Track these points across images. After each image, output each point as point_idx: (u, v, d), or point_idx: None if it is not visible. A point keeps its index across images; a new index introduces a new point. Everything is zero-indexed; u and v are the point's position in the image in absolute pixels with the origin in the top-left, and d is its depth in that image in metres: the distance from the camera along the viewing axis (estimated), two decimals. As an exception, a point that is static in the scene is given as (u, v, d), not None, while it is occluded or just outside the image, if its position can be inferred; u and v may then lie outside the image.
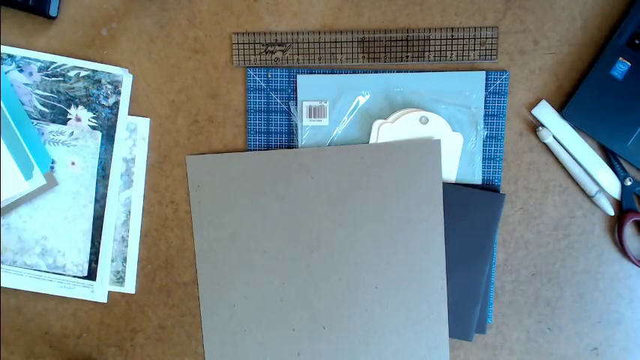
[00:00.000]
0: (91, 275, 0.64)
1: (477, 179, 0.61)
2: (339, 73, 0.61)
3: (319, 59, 0.60)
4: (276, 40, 0.60)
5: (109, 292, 0.65)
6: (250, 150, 0.62)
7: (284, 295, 0.62)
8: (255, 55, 0.61)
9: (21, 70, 0.62)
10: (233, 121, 0.62)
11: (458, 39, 0.59)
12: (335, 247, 0.61)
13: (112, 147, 0.63)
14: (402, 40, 0.60)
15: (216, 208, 0.62)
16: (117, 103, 0.62)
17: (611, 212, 0.60)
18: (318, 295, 0.62)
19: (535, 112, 0.60)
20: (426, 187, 0.59)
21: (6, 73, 0.62)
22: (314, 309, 0.62)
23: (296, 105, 0.61)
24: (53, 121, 0.63)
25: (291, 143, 0.62)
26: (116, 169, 0.63)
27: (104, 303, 0.65)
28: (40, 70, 0.62)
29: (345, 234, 0.61)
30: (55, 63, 0.62)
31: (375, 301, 0.61)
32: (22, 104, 0.62)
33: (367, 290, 0.61)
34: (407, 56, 0.60)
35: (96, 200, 0.63)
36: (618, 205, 0.61)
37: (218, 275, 0.63)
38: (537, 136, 0.60)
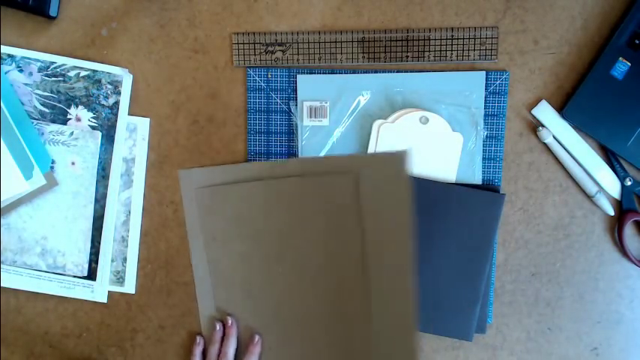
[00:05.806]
0: (91, 275, 0.64)
1: (477, 179, 0.61)
2: (339, 73, 0.61)
3: (319, 59, 0.60)
4: (276, 40, 0.60)
5: (109, 292, 0.65)
6: (250, 150, 0.62)
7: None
8: (255, 55, 0.61)
9: (21, 70, 0.62)
10: (233, 121, 0.62)
11: (458, 39, 0.59)
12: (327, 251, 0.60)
13: (112, 147, 0.63)
14: (402, 40, 0.60)
15: (211, 220, 0.61)
16: (117, 103, 0.62)
17: (611, 212, 0.60)
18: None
19: (535, 112, 0.60)
20: (394, 203, 0.55)
21: (6, 73, 0.62)
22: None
23: (296, 105, 0.61)
24: (53, 121, 0.63)
25: (291, 143, 0.62)
26: (116, 169, 0.63)
27: (104, 303, 0.65)
28: (40, 70, 0.62)
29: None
30: (55, 63, 0.62)
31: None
32: (22, 104, 0.62)
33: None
34: (407, 56, 0.60)
35: (96, 200, 0.63)
36: (618, 205, 0.61)
37: (215, 278, 0.62)
38: (537, 136, 0.60)
